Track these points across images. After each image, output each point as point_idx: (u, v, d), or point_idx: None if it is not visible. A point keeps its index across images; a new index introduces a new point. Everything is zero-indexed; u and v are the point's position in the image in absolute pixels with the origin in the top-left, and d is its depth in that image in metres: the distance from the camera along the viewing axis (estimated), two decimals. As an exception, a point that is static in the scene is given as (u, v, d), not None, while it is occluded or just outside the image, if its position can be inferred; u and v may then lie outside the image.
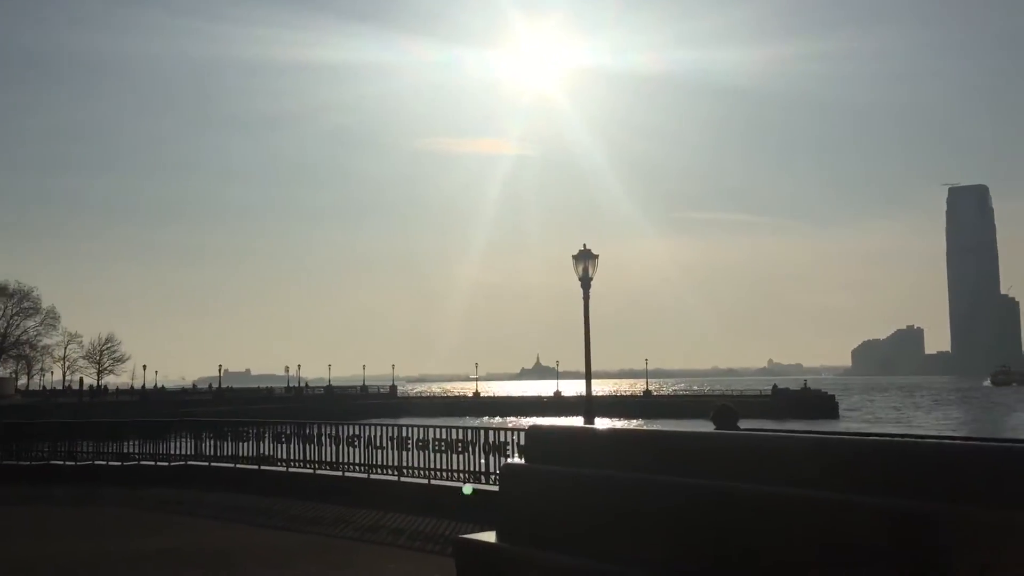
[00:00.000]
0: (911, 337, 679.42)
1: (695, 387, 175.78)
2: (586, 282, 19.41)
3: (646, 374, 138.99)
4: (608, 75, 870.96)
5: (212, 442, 20.89)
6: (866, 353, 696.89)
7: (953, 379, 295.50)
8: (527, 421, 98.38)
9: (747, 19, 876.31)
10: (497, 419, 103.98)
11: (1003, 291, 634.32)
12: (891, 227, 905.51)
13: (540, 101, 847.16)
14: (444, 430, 16.27)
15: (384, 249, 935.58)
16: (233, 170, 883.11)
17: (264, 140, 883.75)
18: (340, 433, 18.02)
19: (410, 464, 16.68)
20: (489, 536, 7.52)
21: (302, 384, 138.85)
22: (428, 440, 16.44)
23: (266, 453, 19.57)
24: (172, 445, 21.97)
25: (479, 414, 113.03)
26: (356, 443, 17.65)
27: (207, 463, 20.70)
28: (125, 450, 22.52)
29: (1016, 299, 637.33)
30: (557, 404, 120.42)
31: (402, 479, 16.76)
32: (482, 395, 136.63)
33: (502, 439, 15.23)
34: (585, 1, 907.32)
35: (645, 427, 11.27)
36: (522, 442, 14.42)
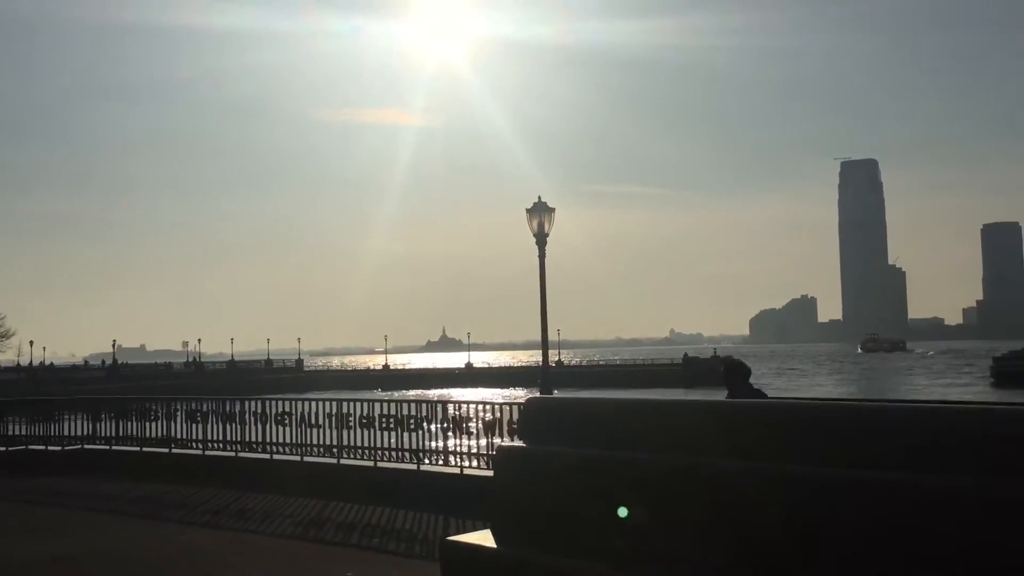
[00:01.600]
0: (805, 306, 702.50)
1: (600, 358, 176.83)
2: (542, 239, 17.46)
3: (559, 345, 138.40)
4: (512, 45, 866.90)
5: (113, 422, 18.22)
6: (763, 322, 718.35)
7: (843, 346, 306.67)
8: (437, 393, 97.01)
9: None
10: (413, 392, 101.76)
11: (891, 262, 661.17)
12: (787, 199, 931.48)
13: (444, 71, 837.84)
14: (393, 404, 14.13)
15: (286, 221, 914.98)
16: (129, 140, 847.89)
17: (160, 109, 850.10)
18: (268, 410, 15.67)
19: (352, 443, 14.49)
20: (483, 537, 5.72)
21: (199, 359, 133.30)
22: (373, 416, 14.26)
23: (178, 435, 17.07)
24: (65, 426, 19.10)
25: (390, 387, 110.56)
26: (286, 421, 15.33)
27: (107, 446, 18.07)
28: (9, 432, 19.63)
29: (903, 269, 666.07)
30: (469, 375, 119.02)
31: (342, 461, 14.57)
32: (392, 367, 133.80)
33: (465, 413, 13.17)
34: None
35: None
36: (508, 417, 12.45)
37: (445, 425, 13.40)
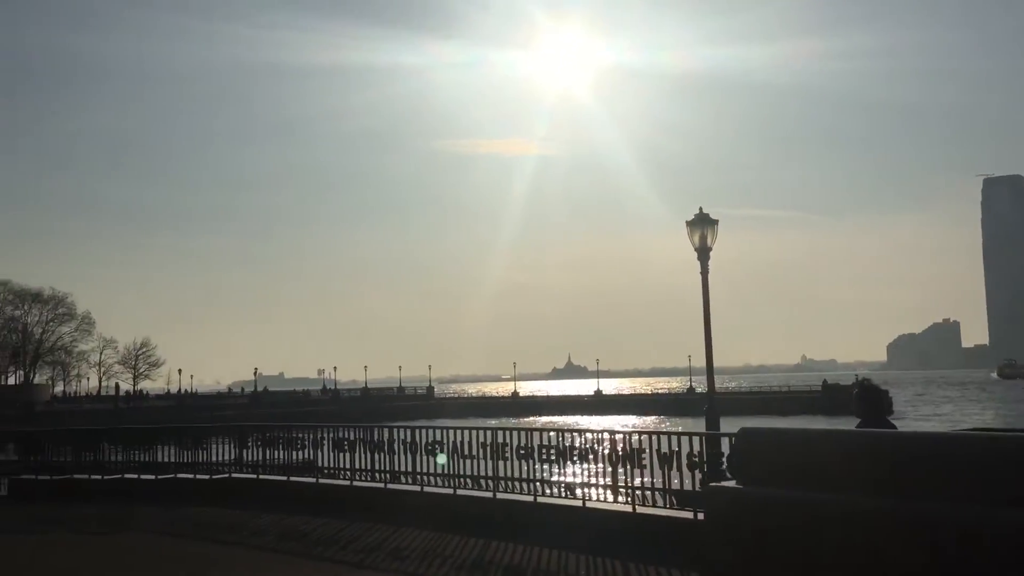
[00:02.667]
0: (948, 331, 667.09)
1: (731, 385, 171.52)
2: (704, 253, 16.09)
3: (690, 371, 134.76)
4: (633, 73, 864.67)
5: (259, 450, 17.78)
6: (902, 347, 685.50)
7: (980, 372, 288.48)
8: (569, 420, 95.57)
9: (774, 15, 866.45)
10: (544, 419, 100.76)
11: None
12: (926, 220, 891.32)
13: (564, 100, 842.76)
14: (554, 434, 12.97)
15: (412, 250, 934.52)
16: (262, 175, 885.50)
17: (290, 144, 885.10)
18: (419, 438, 14.78)
19: (508, 475, 13.39)
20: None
21: (336, 386, 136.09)
22: (532, 446, 13.15)
23: (324, 463, 16.42)
24: (213, 454, 18.82)
25: (519, 414, 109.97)
26: (437, 449, 14.40)
27: (254, 474, 17.60)
28: (159, 458, 19.50)
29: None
30: (598, 402, 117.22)
31: (498, 495, 13.49)
32: (520, 395, 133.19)
33: (635, 444, 11.86)
34: (609, 0, 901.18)
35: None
36: (688, 449, 11.14)
37: (613, 457, 12.11)
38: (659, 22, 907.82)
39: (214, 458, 18.69)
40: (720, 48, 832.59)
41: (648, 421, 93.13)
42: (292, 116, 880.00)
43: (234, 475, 17.99)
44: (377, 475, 15.45)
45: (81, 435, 21.74)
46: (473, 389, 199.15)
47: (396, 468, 15.17)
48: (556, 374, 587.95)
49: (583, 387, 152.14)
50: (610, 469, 12.13)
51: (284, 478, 16.97)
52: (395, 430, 15.34)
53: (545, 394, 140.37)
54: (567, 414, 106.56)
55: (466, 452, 14.02)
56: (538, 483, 13.02)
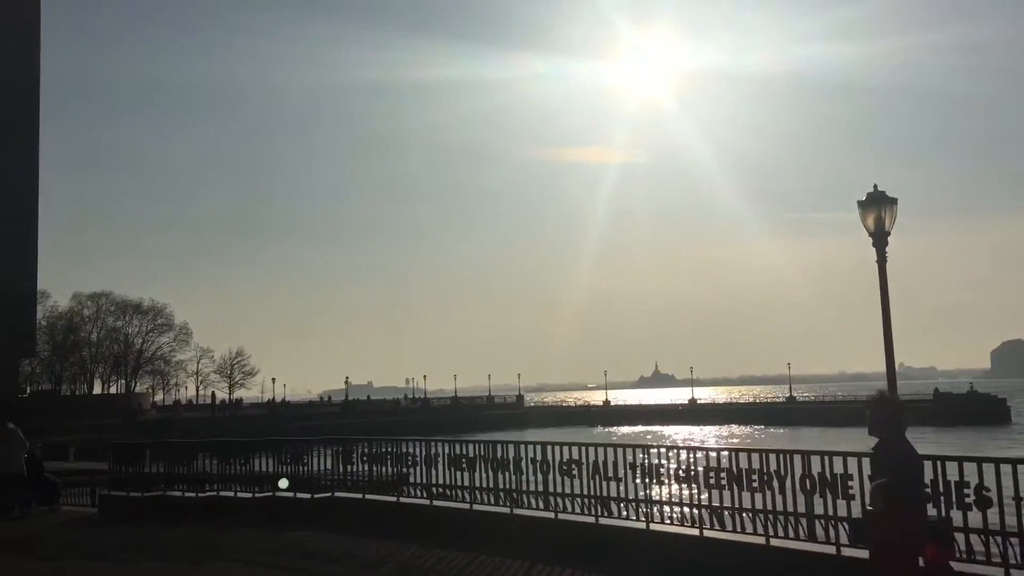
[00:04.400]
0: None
1: (831, 393, 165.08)
2: (881, 238, 13.62)
3: (789, 380, 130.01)
4: (716, 76, 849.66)
5: (365, 466, 15.98)
6: (1007, 354, 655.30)
7: None
8: (664, 430, 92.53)
9: (865, 13, 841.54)
10: (637, 428, 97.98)
11: None
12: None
13: (648, 106, 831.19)
14: (726, 456, 10.71)
15: (499, 260, 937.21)
16: (358, 191, 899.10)
17: (384, 160, 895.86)
18: (550, 456, 12.69)
19: (666, 499, 11.25)
20: None
21: (426, 395, 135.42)
22: (693, 467, 10.95)
23: (440, 481, 14.49)
24: (314, 468, 17.09)
25: (610, 424, 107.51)
26: (574, 471, 12.30)
27: (360, 494, 15.79)
28: (257, 469, 17.86)
29: None
30: (692, 412, 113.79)
31: (651, 526, 11.33)
32: (612, 404, 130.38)
33: (838, 470, 9.54)
34: (693, 4, 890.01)
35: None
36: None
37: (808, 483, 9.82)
38: (742, 23, 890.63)
39: (315, 470, 16.98)
40: (808, 47, 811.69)
41: (747, 431, 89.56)
42: (385, 133, 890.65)
43: (337, 494, 16.21)
44: (501, 496, 13.45)
45: (176, 448, 20.34)
46: (560, 398, 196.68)
47: (523, 488, 13.15)
48: (643, 382, 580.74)
49: (671, 395, 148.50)
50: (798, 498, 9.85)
51: (394, 499, 15.11)
52: (523, 447, 13.27)
53: (637, 402, 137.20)
54: (660, 423, 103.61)
55: (610, 474, 11.90)
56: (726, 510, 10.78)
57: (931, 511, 8.78)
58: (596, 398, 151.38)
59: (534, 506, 12.97)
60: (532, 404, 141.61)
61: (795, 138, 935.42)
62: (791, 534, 9.92)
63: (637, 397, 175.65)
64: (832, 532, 9.51)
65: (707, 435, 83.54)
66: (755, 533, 10.23)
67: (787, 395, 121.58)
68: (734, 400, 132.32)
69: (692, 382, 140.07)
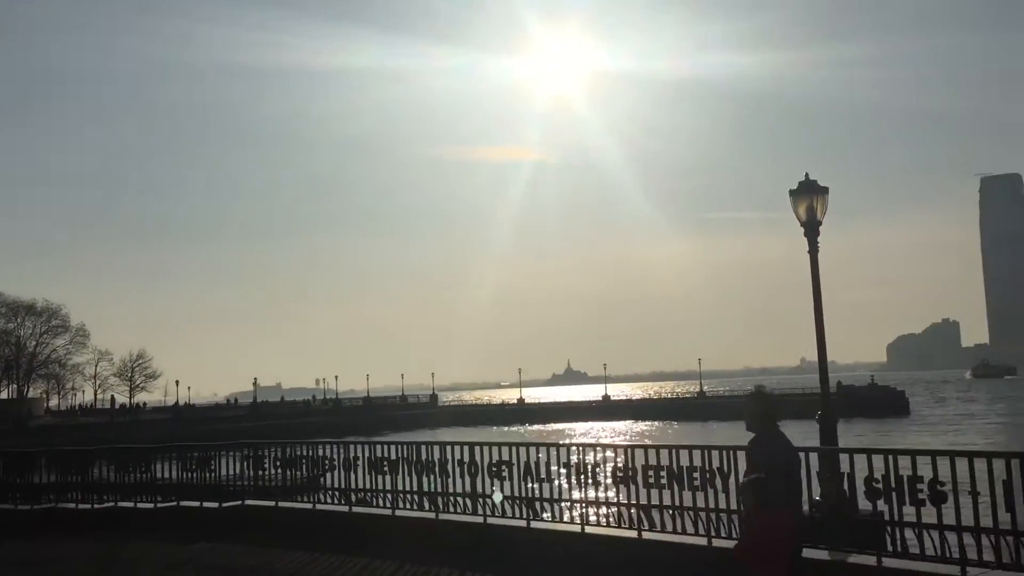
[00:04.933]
0: (947, 331, 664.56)
1: (741, 388, 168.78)
2: (812, 227, 13.36)
3: (700, 376, 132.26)
4: (627, 78, 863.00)
5: (278, 471, 15.01)
6: (901, 348, 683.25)
7: (953, 372, 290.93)
8: (579, 427, 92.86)
9: (770, 23, 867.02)
10: (553, 426, 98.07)
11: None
12: (925, 219, 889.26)
13: (560, 106, 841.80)
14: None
15: (410, 257, 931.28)
16: (255, 182, 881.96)
17: (283, 150, 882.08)
18: (479, 458, 11.96)
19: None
20: None
21: (336, 396, 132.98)
22: (631, 465, 10.39)
23: (359, 486, 13.65)
24: (221, 475, 15.99)
25: (527, 422, 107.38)
26: (504, 473, 11.61)
27: (272, 502, 14.81)
28: (158, 475, 16.68)
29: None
30: (606, 408, 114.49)
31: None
32: (526, 401, 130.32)
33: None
34: (604, 6, 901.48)
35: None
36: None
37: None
38: (654, 28, 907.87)
39: (223, 477, 15.89)
40: (715, 54, 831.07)
41: (661, 427, 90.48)
42: (284, 120, 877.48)
43: (248, 502, 15.20)
44: (426, 500, 12.70)
45: (70, 455, 18.87)
46: (475, 396, 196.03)
47: (449, 491, 12.42)
48: (556, 380, 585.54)
49: (585, 392, 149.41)
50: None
51: (310, 506, 14.19)
52: (449, 448, 12.54)
53: (552, 400, 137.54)
54: (575, 420, 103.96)
55: (543, 474, 11.28)
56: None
57: (883, 508, 8.44)
58: (510, 396, 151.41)
59: (461, 510, 12.27)
60: (446, 403, 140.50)
61: (703, 141, 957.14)
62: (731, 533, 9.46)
63: (551, 395, 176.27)
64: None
65: (621, 431, 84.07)
66: (696, 534, 9.76)
67: (698, 391, 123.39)
68: (647, 396, 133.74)
69: (605, 379, 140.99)
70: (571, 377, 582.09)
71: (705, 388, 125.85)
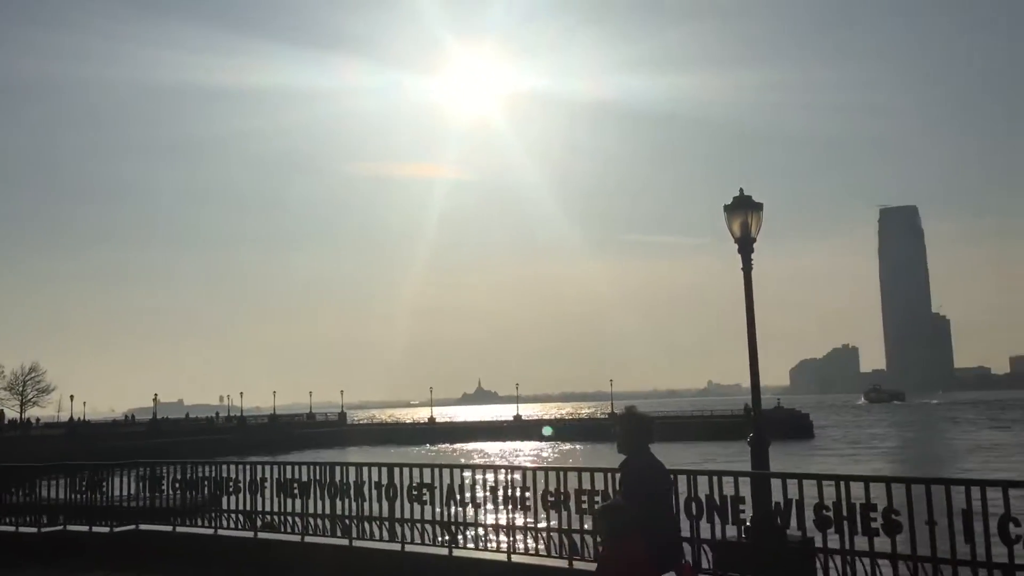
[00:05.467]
0: (847, 356, 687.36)
1: (650, 410, 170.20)
2: (746, 244, 13.03)
3: (611, 396, 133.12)
4: (546, 99, 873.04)
5: (177, 493, 13.88)
6: (803, 372, 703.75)
7: (848, 396, 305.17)
8: (491, 447, 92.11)
9: (684, 46, 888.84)
10: (465, 445, 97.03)
11: (934, 309, 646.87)
12: (828, 248, 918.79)
13: (478, 125, 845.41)
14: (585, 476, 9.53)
15: (320, 275, 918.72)
16: (169, 196, 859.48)
17: (196, 166, 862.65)
18: (397, 479, 11.16)
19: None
20: None
21: (242, 414, 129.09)
22: (563, 489, 9.74)
23: (266, 507, 12.68)
24: (111, 495, 14.72)
25: (438, 441, 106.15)
26: (426, 497, 10.85)
27: (170, 526, 13.68)
28: (46, 496, 15.30)
29: (947, 317, 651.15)
30: (518, 428, 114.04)
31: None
32: (438, 421, 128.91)
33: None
34: (520, 27, 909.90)
35: None
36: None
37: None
38: (570, 49, 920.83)
39: (116, 499, 14.63)
40: (630, 76, 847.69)
41: (572, 448, 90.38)
42: (200, 136, 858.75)
43: (143, 526, 14.02)
44: (339, 525, 11.81)
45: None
46: (383, 415, 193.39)
47: (365, 515, 11.58)
48: (466, 399, 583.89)
49: (495, 412, 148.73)
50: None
51: (211, 530, 13.13)
52: (366, 469, 11.69)
53: (463, 420, 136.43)
54: (487, 440, 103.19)
55: (467, 498, 10.56)
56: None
57: (833, 537, 8.01)
58: (421, 415, 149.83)
59: (378, 536, 11.43)
60: (355, 422, 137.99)
61: (621, 163, 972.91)
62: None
63: (462, 414, 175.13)
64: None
65: (533, 451, 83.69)
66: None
67: (608, 412, 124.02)
68: (560, 416, 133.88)
69: (517, 399, 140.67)
70: (482, 396, 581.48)
71: (616, 409, 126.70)
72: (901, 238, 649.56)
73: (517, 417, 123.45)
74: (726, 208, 13.21)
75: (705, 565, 8.94)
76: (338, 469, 11.93)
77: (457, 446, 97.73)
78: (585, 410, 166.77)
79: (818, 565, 8.34)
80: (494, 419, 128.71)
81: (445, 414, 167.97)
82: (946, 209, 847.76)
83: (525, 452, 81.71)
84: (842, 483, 8.07)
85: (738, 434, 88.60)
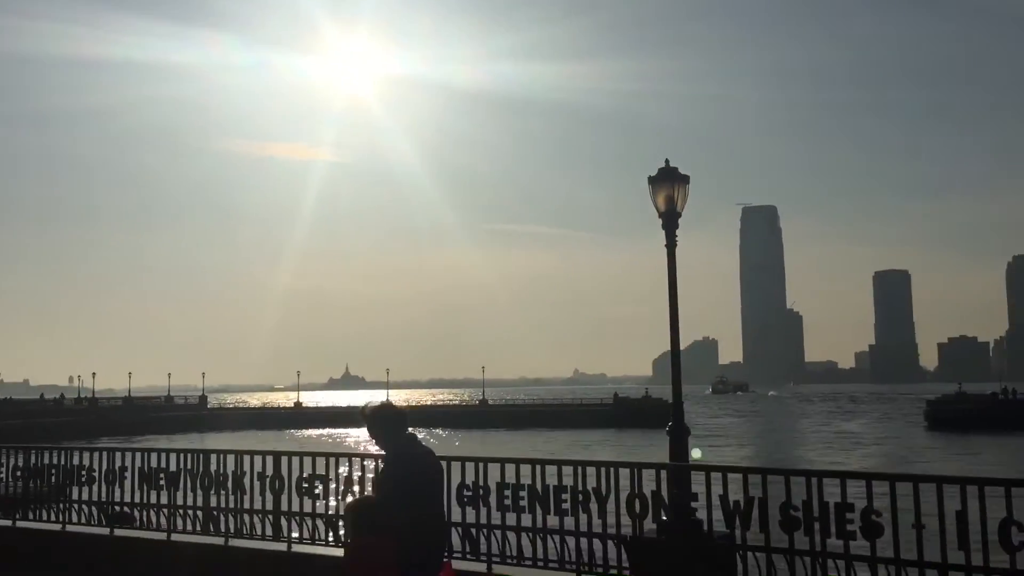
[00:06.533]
0: (707, 348, 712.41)
1: (518, 398, 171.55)
2: (671, 219, 12.08)
3: (483, 384, 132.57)
4: (424, 85, 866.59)
5: (19, 483, 11.99)
6: (665, 363, 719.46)
7: (696, 388, 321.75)
8: (358, 432, 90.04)
9: (561, 36, 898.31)
10: (334, 431, 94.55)
11: (788, 306, 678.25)
12: (695, 242, 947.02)
13: (355, 108, 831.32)
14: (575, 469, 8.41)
15: (185, 255, 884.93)
16: (15, 169, 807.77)
17: (49, 138, 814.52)
18: (284, 470, 9.73)
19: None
20: None
21: (93, 395, 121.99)
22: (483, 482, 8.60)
23: (126, 499, 11.01)
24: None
25: (304, 426, 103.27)
26: (318, 488, 9.47)
27: (9, 521, 11.79)
28: None
29: (800, 313, 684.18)
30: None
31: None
32: (305, 405, 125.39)
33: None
34: (397, 11, 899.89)
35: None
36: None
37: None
38: (446, 36, 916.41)
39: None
40: (509, 65, 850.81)
41: (445, 435, 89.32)
42: (55, 108, 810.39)
43: (-24, 521, 12.04)
44: (214, 518, 10.29)
45: None
46: (247, 399, 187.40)
47: (244, 508, 10.10)
48: (333, 384, 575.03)
49: (363, 398, 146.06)
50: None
51: (58, 526, 11.33)
52: (248, 458, 10.18)
53: (326, 405, 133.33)
54: (354, 426, 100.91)
55: (366, 491, 9.25)
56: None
57: (803, 539, 7.16)
58: (286, 400, 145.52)
59: (260, 533, 9.98)
60: (217, 405, 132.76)
61: (498, 151, 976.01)
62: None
63: (329, 399, 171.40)
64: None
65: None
66: (566, 564, 8.13)
67: (480, 398, 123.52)
68: (433, 403, 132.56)
69: (387, 384, 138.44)
70: (349, 382, 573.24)
71: (487, 396, 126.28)
72: (761, 236, 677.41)
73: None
74: (651, 180, 12.26)
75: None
76: (214, 457, 10.38)
77: (326, 431, 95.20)
78: (456, 398, 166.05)
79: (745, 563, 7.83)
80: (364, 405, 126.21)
81: (311, 399, 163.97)
82: (803, 210, 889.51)
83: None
84: (814, 478, 7.22)
85: (608, 422, 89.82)
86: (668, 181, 12.16)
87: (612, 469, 8.38)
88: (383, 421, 6.26)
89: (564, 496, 8.23)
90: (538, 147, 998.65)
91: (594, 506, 8.08)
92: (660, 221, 12.18)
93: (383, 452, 6.34)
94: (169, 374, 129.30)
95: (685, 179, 12.27)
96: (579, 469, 8.32)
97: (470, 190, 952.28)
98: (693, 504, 8.79)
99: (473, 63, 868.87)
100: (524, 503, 8.36)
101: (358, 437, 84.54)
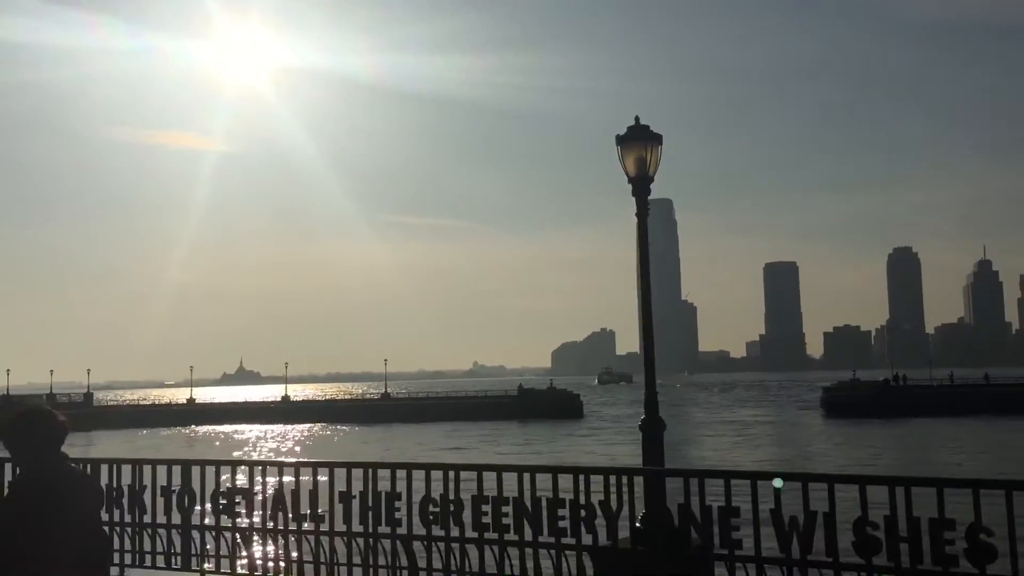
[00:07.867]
0: (605, 339, 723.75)
1: (419, 391, 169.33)
2: (642, 184, 10.72)
3: (385, 377, 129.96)
4: (320, 76, 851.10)
5: None
6: (564, 354, 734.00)
7: (581, 378, 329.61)
8: (254, 429, 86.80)
9: (459, 29, 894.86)
10: (228, 427, 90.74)
11: (683, 297, 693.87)
12: (593, 235, 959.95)
13: (248, 98, 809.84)
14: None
15: (67, 247, 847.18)
16: None
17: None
18: (199, 482, 7.85)
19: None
20: None
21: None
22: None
23: None
24: None
25: (200, 423, 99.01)
26: (235, 508, 7.64)
27: None
28: None
29: (694, 304, 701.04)
30: (287, 410, 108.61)
31: None
32: (198, 401, 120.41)
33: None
34: (289, 1, 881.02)
35: None
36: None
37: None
38: (343, 27, 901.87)
39: None
40: (406, 56, 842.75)
41: (346, 430, 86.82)
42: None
43: None
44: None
45: None
46: (138, 395, 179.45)
47: (145, 523, 8.17)
48: (227, 379, 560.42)
49: (259, 393, 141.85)
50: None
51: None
52: (148, 468, 8.25)
53: (227, 400, 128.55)
54: (252, 422, 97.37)
55: (304, 509, 7.47)
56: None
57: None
58: (178, 396, 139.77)
59: (162, 565, 8.07)
60: (103, 403, 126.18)
61: (398, 143, 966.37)
62: None
63: (223, 395, 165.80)
64: None
65: (303, 434, 79.37)
66: None
67: (383, 392, 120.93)
68: (332, 397, 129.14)
69: (286, 379, 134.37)
70: (244, 377, 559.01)
71: (389, 390, 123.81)
72: (657, 229, 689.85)
73: (285, 398, 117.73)
74: (619, 139, 10.84)
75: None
76: (111, 468, 8.39)
77: (220, 428, 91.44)
78: (356, 391, 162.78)
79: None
80: (260, 400, 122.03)
81: (204, 395, 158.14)
82: (697, 203, 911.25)
83: (294, 436, 77.23)
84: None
85: (513, 413, 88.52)
86: (639, 141, 10.80)
87: (584, 476, 7.08)
88: (24, 433, 4.46)
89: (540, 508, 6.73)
90: (438, 140, 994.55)
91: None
92: (630, 185, 10.75)
93: (24, 462, 4.66)
94: (51, 371, 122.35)
95: (658, 139, 10.94)
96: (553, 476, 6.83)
97: (368, 182, 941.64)
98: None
99: (370, 55, 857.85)
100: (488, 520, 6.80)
101: (252, 432, 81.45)
